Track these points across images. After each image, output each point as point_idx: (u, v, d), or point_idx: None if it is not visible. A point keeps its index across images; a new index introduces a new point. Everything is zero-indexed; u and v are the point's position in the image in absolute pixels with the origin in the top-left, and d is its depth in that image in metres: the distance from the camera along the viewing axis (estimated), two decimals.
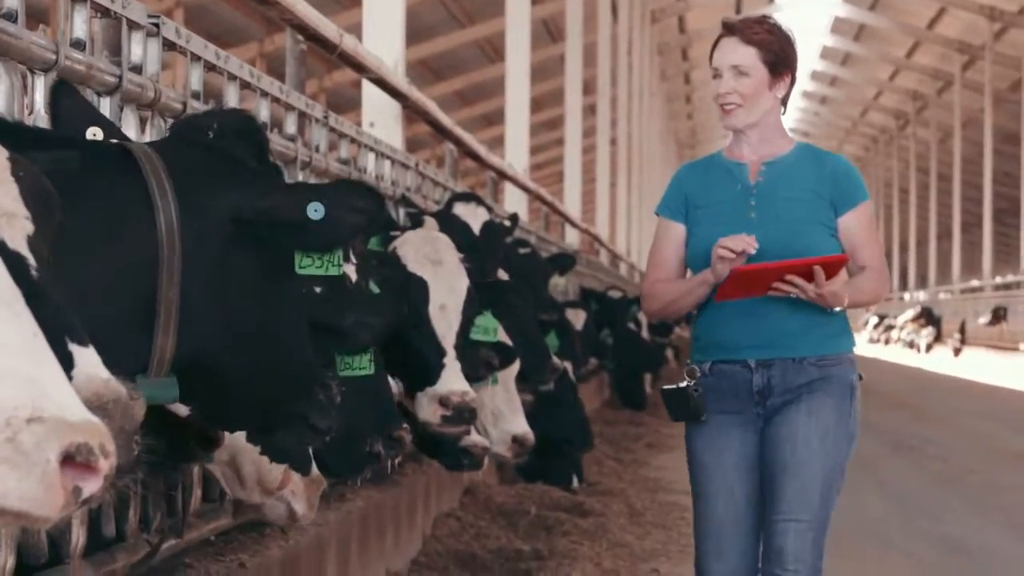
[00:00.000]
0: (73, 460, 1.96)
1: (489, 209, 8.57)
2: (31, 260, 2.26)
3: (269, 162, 3.52)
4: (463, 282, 6.21)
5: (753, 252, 5.15)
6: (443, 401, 5.87)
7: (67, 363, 2.14)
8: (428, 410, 5.89)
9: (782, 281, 5.16)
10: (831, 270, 5.16)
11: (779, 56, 5.33)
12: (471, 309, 6.25)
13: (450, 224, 7.51)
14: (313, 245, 3.39)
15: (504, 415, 7.59)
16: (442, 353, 6.01)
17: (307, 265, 3.40)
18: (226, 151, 3.42)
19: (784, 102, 5.47)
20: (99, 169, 3.25)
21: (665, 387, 5.48)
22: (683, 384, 5.39)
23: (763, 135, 5.43)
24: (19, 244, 2.25)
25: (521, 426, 7.71)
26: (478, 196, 8.76)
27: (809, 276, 5.13)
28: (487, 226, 8.23)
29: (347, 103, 28.89)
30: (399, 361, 5.86)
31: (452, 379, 5.96)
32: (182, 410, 3.48)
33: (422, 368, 5.97)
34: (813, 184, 5.38)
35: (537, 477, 10.92)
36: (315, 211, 3.32)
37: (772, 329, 5.31)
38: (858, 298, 5.38)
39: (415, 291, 6.04)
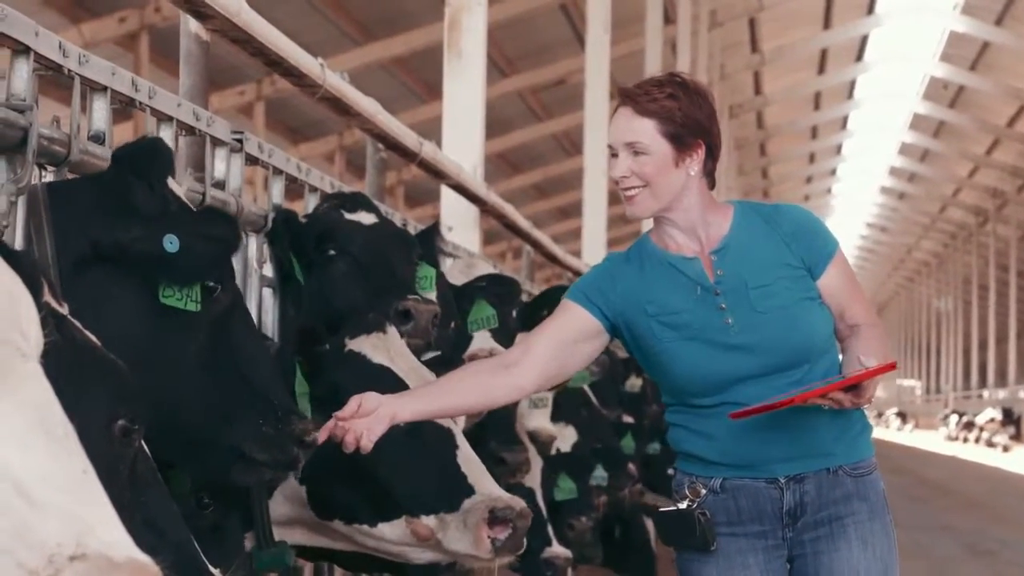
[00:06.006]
0: None
1: None
2: None
3: (163, 194, 3.34)
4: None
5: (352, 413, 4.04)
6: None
7: None
8: None
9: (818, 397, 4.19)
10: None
11: (684, 125, 4.36)
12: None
13: None
14: (174, 278, 3.26)
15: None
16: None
17: (169, 296, 3.27)
18: (119, 184, 3.30)
19: (708, 175, 4.51)
20: None
21: (663, 509, 4.54)
22: (684, 506, 4.45)
23: (690, 220, 4.46)
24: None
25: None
26: None
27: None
28: None
29: (425, 195, 29.08)
30: None
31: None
32: None
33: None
34: (777, 254, 4.44)
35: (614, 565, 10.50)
36: (170, 243, 3.20)
37: (805, 438, 4.37)
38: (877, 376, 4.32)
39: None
